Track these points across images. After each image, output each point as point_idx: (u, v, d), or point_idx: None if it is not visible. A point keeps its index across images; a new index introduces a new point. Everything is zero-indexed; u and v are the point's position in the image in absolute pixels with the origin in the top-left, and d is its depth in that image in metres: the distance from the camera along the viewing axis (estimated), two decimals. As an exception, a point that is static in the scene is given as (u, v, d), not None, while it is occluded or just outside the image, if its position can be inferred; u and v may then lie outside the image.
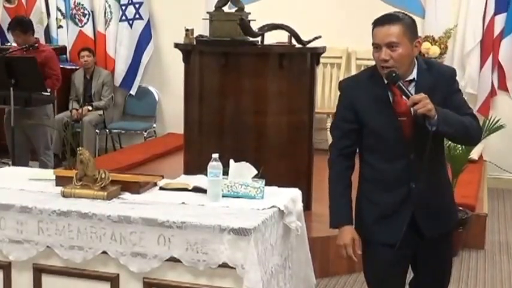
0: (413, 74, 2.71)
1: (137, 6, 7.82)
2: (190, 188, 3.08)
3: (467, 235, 5.01)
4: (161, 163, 6.64)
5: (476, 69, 6.85)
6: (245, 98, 4.75)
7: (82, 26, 8.07)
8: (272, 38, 4.99)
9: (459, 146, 4.66)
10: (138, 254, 2.71)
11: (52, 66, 6.25)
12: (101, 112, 7.59)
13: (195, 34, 5.04)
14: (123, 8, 7.87)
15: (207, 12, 4.98)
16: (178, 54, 5.03)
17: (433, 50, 6.59)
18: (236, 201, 2.91)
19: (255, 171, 3.04)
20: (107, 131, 7.76)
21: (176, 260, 2.67)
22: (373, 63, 2.75)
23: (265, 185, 3.01)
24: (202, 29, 5.59)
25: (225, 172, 2.95)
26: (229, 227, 2.60)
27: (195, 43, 4.96)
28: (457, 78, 2.81)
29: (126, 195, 2.99)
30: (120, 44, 7.96)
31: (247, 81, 4.73)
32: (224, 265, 2.62)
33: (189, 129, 5.04)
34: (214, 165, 2.86)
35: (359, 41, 6.13)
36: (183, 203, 2.91)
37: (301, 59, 4.84)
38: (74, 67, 7.88)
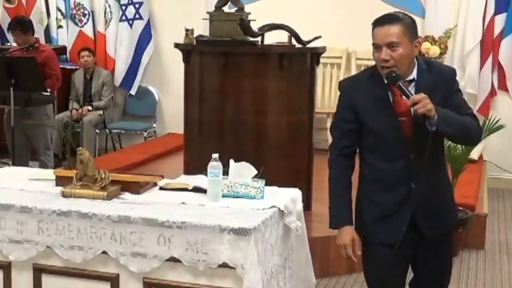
0: (413, 74, 2.71)
1: (137, 6, 7.82)
2: (190, 188, 3.08)
3: (467, 235, 5.01)
4: (161, 163, 6.64)
5: (476, 69, 6.84)
6: (245, 98, 4.75)
7: (82, 26, 8.07)
8: (272, 38, 4.99)
9: (459, 146, 4.66)
10: (138, 254, 2.71)
11: (52, 66, 6.25)
12: (101, 112, 7.59)
13: (195, 34, 5.04)
14: (123, 8, 7.86)
15: (207, 12, 4.98)
16: (178, 54, 5.02)
17: (433, 50, 6.59)
18: (236, 201, 2.91)
19: (255, 171, 3.04)
20: (107, 131, 7.75)
21: (176, 260, 2.67)
22: (373, 63, 2.75)
23: (265, 185, 3.01)
24: (202, 29, 5.59)
25: (225, 172, 2.95)
26: (229, 227, 2.60)
27: (195, 43, 4.96)
28: (457, 78, 2.81)
29: (126, 195, 2.99)
30: (120, 44, 7.95)
31: (247, 81, 4.73)
32: (224, 265, 2.62)
33: (189, 129, 5.04)
34: (214, 165, 2.86)
35: (359, 41, 6.13)
36: (183, 203, 2.91)
37: (301, 59, 4.84)
38: (74, 67, 7.88)
